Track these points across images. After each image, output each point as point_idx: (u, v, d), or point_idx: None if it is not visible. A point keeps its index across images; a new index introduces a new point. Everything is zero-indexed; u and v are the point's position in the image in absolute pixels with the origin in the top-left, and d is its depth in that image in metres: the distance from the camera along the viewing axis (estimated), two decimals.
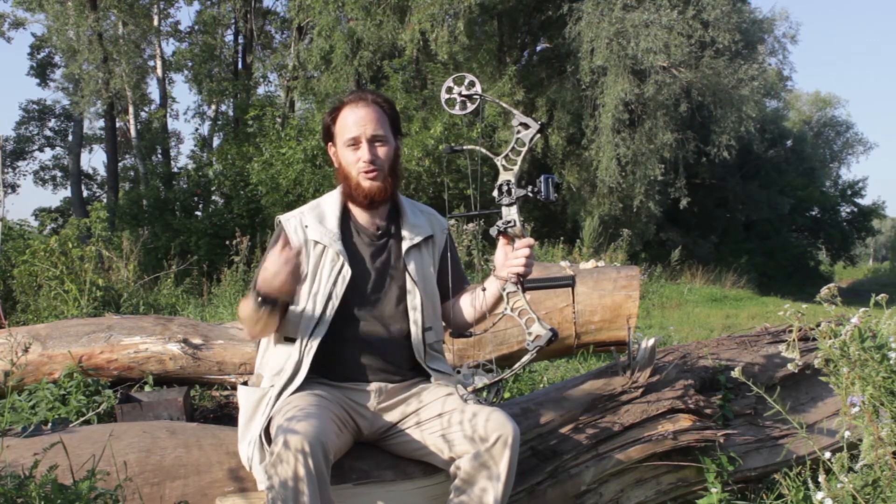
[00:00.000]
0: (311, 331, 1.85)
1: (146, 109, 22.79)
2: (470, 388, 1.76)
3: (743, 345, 2.56)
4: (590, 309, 3.31)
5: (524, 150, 1.84)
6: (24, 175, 36.35)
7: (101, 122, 19.58)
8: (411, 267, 1.94)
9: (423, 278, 1.96)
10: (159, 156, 21.37)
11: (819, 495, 1.65)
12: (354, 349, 1.91)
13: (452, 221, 7.24)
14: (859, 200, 28.10)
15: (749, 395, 2.26)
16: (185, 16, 67.38)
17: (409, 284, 1.93)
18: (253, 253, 7.82)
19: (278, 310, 1.80)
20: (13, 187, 24.66)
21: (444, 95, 1.90)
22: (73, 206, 20.57)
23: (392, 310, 1.93)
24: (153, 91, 22.61)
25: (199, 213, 13.07)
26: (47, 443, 1.74)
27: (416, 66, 14.43)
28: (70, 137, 22.64)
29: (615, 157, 14.37)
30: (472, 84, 1.88)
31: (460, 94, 1.88)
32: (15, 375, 3.06)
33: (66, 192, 25.29)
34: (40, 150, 25.05)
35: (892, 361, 1.70)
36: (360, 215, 1.98)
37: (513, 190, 1.82)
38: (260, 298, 1.73)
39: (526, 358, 1.76)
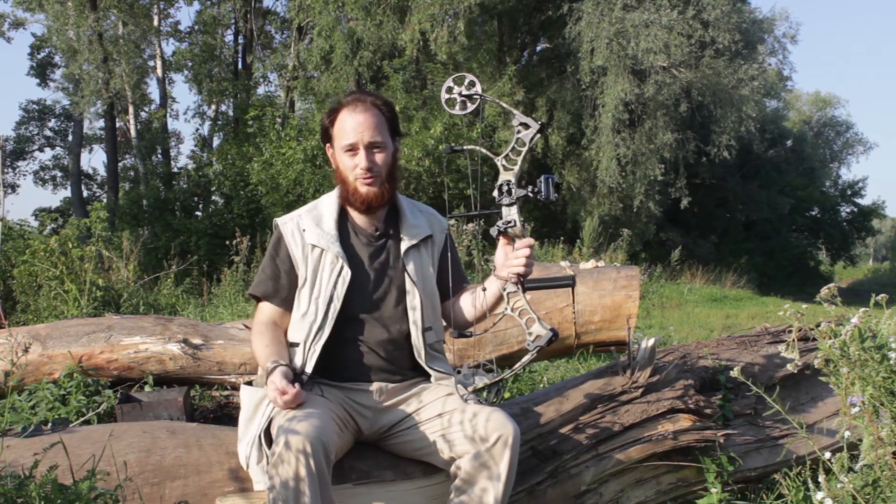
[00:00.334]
0: (315, 334, 1.86)
1: (146, 109, 22.81)
2: (470, 388, 1.76)
3: (743, 345, 2.56)
4: (590, 309, 3.31)
5: (524, 150, 1.84)
6: (24, 175, 36.45)
7: (101, 122, 19.61)
8: (410, 267, 1.94)
9: (422, 279, 1.95)
10: (159, 156, 21.38)
11: (819, 495, 1.65)
12: (355, 350, 1.91)
13: (452, 221, 7.24)
14: (859, 200, 28.12)
15: (749, 395, 2.26)
16: (185, 16, 67.52)
17: (409, 285, 1.93)
18: (253, 253, 7.83)
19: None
20: (13, 187, 24.69)
21: (444, 95, 1.90)
22: (73, 207, 20.57)
23: (391, 310, 1.93)
24: (153, 91, 22.68)
25: (199, 213, 13.08)
26: (47, 443, 1.74)
27: (416, 66, 14.42)
28: (70, 137, 22.64)
29: (615, 157, 14.37)
30: (472, 84, 1.88)
31: (460, 94, 1.88)
32: (15, 375, 3.06)
33: (66, 193, 25.35)
34: (40, 150, 25.10)
35: (892, 361, 1.70)
36: (358, 217, 1.98)
37: (513, 190, 1.81)
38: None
39: (526, 358, 1.77)
